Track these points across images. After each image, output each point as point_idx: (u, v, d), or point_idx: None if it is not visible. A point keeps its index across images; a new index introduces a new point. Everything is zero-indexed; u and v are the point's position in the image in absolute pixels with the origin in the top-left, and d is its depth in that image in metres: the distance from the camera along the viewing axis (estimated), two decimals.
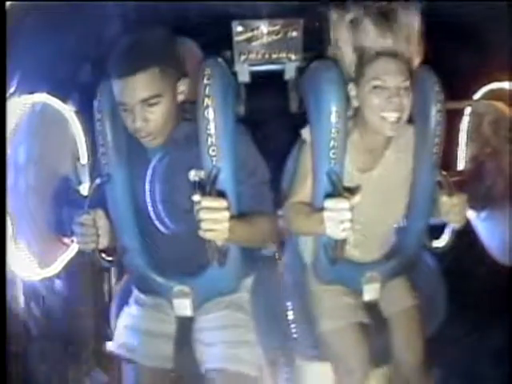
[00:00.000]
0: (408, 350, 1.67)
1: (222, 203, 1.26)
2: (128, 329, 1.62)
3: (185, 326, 1.59)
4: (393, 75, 1.43)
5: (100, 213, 1.49)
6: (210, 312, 1.60)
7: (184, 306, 1.57)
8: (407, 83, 1.44)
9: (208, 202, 1.24)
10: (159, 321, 1.61)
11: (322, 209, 1.32)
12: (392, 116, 1.44)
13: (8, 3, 1.46)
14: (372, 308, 1.68)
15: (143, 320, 1.61)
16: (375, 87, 1.44)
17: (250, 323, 1.61)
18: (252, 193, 1.49)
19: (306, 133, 1.57)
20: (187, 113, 1.49)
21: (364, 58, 1.47)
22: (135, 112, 1.38)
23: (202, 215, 1.24)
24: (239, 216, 1.41)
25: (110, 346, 1.62)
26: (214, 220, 1.24)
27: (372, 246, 1.67)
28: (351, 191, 1.35)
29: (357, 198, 1.30)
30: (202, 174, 1.43)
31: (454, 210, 1.46)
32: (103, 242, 1.50)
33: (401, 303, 1.72)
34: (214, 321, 1.59)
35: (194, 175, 1.46)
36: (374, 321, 1.67)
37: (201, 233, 1.26)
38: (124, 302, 1.71)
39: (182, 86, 1.45)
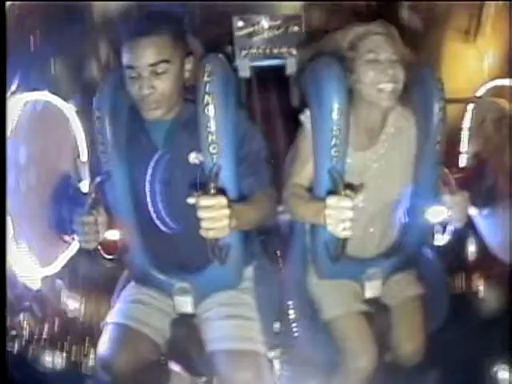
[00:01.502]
0: (408, 340, 1.65)
1: (221, 201, 1.25)
2: (124, 301, 1.62)
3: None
4: (384, 48, 1.48)
5: (100, 210, 1.48)
6: (213, 296, 1.60)
7: (185, 304, 1.57)
8: (397, 56, 1.49)
9: (207, 201, 1.24)
10: (159, 299, 1.60)
11: (321, 199, 1.32)
12: (388, 87, 1.47)
13: (8, 3, 1.46)
14: (374, 299, 1.68)
15: (142, 294, 1.61)
16: (369, 61, 1.48)
17: (252, 303, 1.60)
18: (251, 170, 1.49)
19: (304, 117, 1.58)
20: (189, 94, 1.49)
21: (356, 38, 1.52)
22: (143, 78, 1.38)
23: (201, 214, 1.23)
24: (242, 201, 1.41)
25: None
26: (214, 218, 1.24)
27: (371, 238, 1.67)
28: (353, 189, 1.34)
29: (359, 197, 1.29)
30: (202, 157, 1.43)
31: (455, 209, 1.46)
32: (102, 236, 1.49)
33: (403, 293, 1.71)
34: (218, 299, 1.59)
35: (193, 158, 1.46)
36: (377, 311, 1.66)
37: (202, 232, 1.25)
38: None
39: (189, 64, 1.47)
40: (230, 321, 1.55)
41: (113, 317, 1.58)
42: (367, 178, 1.55)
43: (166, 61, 1.39)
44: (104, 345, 1.51)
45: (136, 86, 1.40)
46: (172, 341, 1.58)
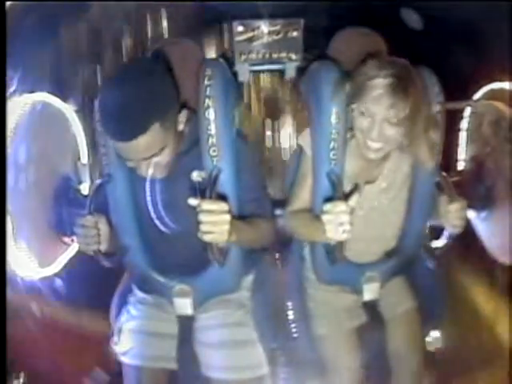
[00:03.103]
0: (408, 352, 1.67)
1: (222, 206, 1.26)
2: (129, 331, 1.62)
3: (186, 325, 1.59)
4: (383, 106, 1.35)
5: (102, 219, 1.48)
6: (211, 310, 1.60)
7: (185, 305, 1.57)
8: (399, 117, 1.35)
9: (208, 205, 1.25)
10: (161, 320, 1.61)
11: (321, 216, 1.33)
12: (374, 145, 1.41)
13: (8, 3, 1.46)
14: (371, 309, 1.68)
15: (144, 320, 1.62)
16: (363, 112, 1.39)
17: (251, 321, 1.61)
18: (252, 197, 1.50)
19: (302, 139, 1.58)
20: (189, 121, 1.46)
21: (362, 80, 1.38)
22: (140, 164, 1.35)
23: (202, 218, 1.24)
24: (240, 218, 1.41)
25: (115, 350, 1.63)
26: (214, 223, 1.25)
27: (372, 250, 1.67)
28: (349, 195, 1.35)
29: (354, 199, 1.30)
30: (204, 174, 1.43)
31: (453, 214, 1.46)
32: (103, 247, 1.49)
33: (400, 306, 1.72)
34: (214, 319, 1.59)
35: (196, 176, 1.45)
36: (373, 322, 1.67)
37: (200, 235, 1.26)
38: (124, 300, 1.70)
39: (182, 117, 1.41)
40: (230, 350, 1.56)
41: (131, 359, 1.59)
42: (371, 197, 1.56)
43: (161, 149, 1.33)
44: None
45: (131, 165, 1.38)
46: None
